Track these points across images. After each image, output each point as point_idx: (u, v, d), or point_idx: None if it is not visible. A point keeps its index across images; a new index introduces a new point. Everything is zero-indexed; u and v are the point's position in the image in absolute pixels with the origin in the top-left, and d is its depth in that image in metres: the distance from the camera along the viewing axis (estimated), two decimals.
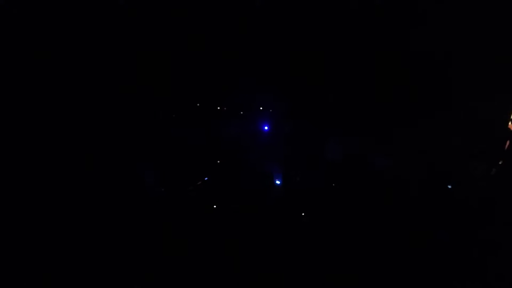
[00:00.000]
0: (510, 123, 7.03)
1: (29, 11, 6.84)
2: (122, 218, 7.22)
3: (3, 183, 6.87)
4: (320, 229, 7.47)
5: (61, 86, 7.23)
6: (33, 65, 7.05)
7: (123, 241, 7.09)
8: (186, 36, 7.49)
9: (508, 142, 7.09)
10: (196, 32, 7.45)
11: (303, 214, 7.62)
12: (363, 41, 7.17)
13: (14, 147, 6.99)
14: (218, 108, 8.02)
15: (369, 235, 7.12)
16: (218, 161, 8.03)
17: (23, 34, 6.88)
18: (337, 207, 7.56)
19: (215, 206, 7.74)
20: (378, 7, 6.96)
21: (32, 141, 7.08)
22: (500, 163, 7.14)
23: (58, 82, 7.22)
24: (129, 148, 7.59)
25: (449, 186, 7.08)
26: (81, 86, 7.33)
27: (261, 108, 7.98)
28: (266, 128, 7.99)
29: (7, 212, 6.81)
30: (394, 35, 7.01)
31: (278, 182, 7.94)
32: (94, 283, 6.77)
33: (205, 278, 6.94)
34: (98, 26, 7.17)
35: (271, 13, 7.26)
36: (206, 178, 8.00)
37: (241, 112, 8.03)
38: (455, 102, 7.07)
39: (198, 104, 8.04)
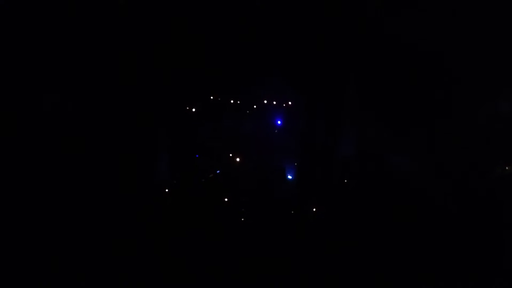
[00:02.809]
0: None
1: (29, 11, 6.85)
2: (137, 208, 7.22)
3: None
4: (331, 225, 7.43)
5: (77, 83, 7.28)
6: (35, 64, 7.04)
7: (136, 230, 7.09)
8: (203, 31, 7.48)
9: None
10: (212, 27, 7.45)
11: (314, 209, 7.59)
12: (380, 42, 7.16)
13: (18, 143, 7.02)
14: (232, 101, 8.03)
15: (380, 232, 7.08)
16: (230, 154, 8.03)
17: (23, 34, 6.89)
18: (349, 203, 7.52)
19: (226, 199, 7.73)
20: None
21: (42, 138, 7.10)
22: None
23: (72, 80, 7.26)
24: (142, 142, 7.57)
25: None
26: (98, 83, 7.35)
27: (274, 103, 7.99)
28: (279, 122, 7.99)
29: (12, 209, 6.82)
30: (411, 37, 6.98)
31: (290, 176, 7.94)
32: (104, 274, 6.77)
33: (214, 269, 6.93)
34: (106, 26, 7.20)
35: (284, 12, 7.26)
36: (218, 171, 8.01)
37: (255, 106, 8.03)
38: (471, 104, 7.04)
39: (211, 97, 8.05)
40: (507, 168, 7.20)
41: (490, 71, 6.80)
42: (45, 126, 7.07)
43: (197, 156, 8.06)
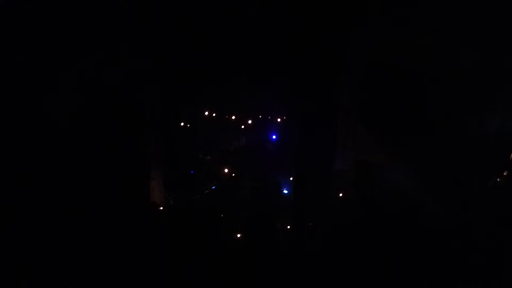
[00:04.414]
0: None
1: (29, 11, 6.76)
2: (130, 226, 7.10)
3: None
4: (327, 239, 7.41)
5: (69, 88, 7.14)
6: (34, 64, 6.93)
7: (132, 249, 6.96)
8: (196, 46, 7.49)
9: None
10: (206, 41, 7.46)
11: (310, 224, 7.58)
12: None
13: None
14: (227, 116, 8.05)
15: (377, 245, 7.07)
16: (226, 170, 8.03)
17: (24, 34, 6.79)
18: (345, 217, 7.54)
19: (222, 215, 7.69)
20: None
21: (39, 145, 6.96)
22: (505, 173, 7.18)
23: (63, 82, 7.10)
24: (137, 158, 7.50)
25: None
26: (88, 89, 7.20)
27: (269, 118, 8.03)
28: (274, 137, 8.03)
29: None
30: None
31: (285, 191, 7.95)
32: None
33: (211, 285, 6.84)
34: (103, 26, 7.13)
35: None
36: (213, 187, 7.99)
37: (249, 122, 8.06)
38: (465, 116, 7.12)
39: (206, 113, 8.06)
40: (498, 180, 7.26)
41: (484, 84, 6.89)
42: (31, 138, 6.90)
43: (192, 172, 8.05)
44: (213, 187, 8.01)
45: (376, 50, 7.10)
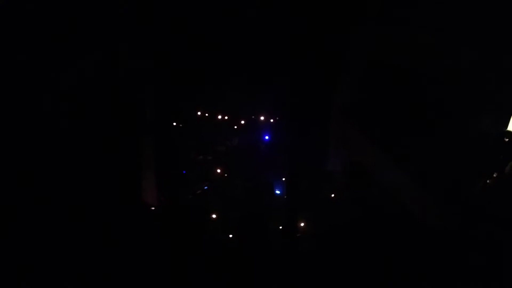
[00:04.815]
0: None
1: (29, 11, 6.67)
2: (121, 227, 7.01)
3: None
4: (319, 240, 7.41)
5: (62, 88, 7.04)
6: (34, 64, 6.82)
7: (122, 250, 6.88)
8: (189, 46, 7.44)
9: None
10: (197, 36, 7.41)
11: (302, 224, 7.56)
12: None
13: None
14: (220, 117, 8.00)
15: (369, 246, 7.09)
16: (218, 170, 7.97)
17: (24, 34, 6.70)
18: (338, 217, 7.54)
19: (214, 216, 7.62)
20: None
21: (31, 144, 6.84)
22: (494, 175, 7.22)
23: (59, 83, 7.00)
24: (128, 157, 7.40)
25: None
26: (82, 89, 7.11)
27: (262, 118, 8.00)
28: (266, 138, 8.00)
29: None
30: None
31: (278, 192, 7.92)
32: None
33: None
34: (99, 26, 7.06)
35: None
36: (205, 187, 7.93)
37: (242, 122, 8.02)
38: (453, 118, 7.16)
39: (198, 113, 8.00)
40: (488, 181, 7.31)
41: (484, 84, 6.93)
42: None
43: (184, 172, 7.98)
44: (205, 187, 7.93)
45: (376, 50, 7.11)
